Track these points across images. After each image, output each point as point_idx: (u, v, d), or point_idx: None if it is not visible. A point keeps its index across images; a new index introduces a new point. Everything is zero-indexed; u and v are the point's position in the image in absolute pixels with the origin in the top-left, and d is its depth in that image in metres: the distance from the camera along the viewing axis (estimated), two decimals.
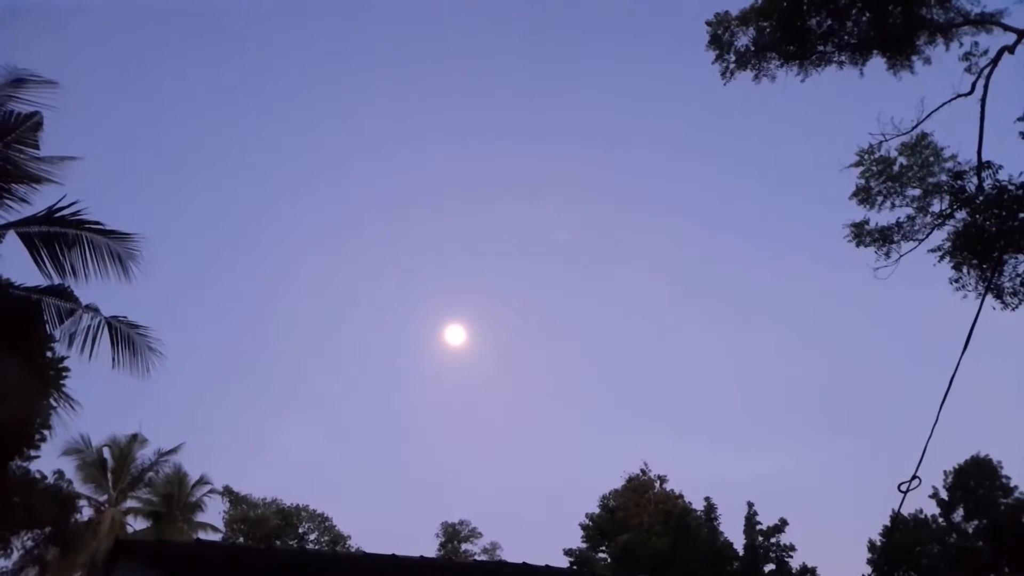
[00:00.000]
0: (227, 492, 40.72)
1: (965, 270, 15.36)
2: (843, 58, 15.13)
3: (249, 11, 55.09)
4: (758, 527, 28.99)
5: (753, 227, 68.95)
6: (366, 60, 63.81)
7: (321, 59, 63.18)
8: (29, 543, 24.03)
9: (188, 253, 63.40)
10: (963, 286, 15.46)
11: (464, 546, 45.44)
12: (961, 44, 14.71)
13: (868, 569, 31.57)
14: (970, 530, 30.54)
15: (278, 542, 39.84)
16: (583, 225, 70.39)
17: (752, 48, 15.35)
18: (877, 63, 15.23)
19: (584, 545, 34.39)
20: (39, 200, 12.65)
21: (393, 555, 8.74)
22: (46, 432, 16.79)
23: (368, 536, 48.50)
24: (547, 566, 9.22)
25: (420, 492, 63.44)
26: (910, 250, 16.02)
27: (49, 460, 28.88)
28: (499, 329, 75.69)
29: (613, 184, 70.29)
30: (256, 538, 39.19)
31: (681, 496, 34.84)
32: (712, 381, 68.22)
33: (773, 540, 28.78)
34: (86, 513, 27.82)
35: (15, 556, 23.70)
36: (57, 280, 12.65)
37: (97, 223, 12.61)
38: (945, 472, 31.79)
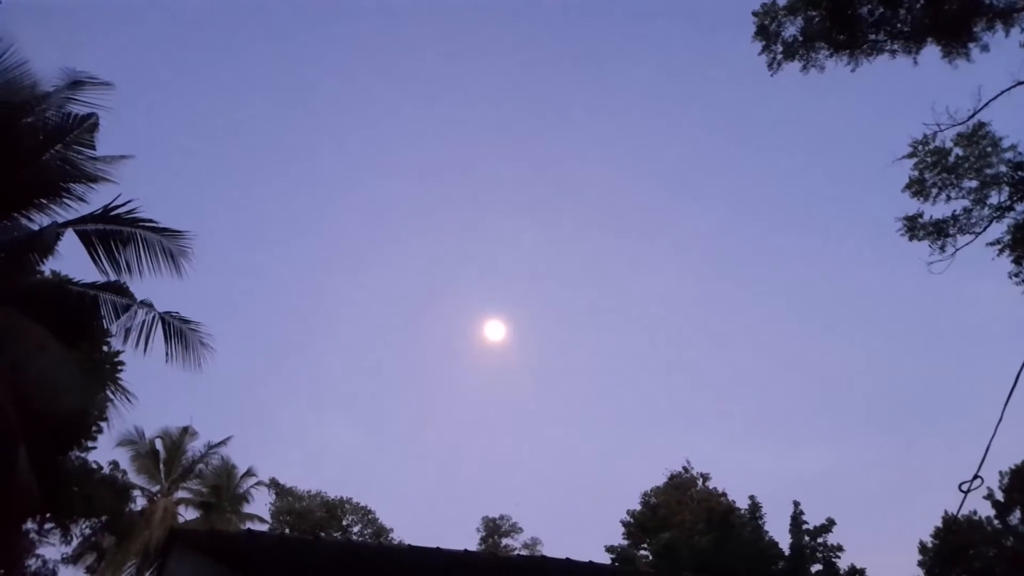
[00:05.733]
0: (273, 484, 41.57)
1: None
2: (895, 47, 14.68)
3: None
4: (804, 527, 28.38)
5: (799, 219, 67.60)
6: (397, 45, 64.13)
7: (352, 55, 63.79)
8: (87, 531, 24.87)
9: (237, 247, 64.83)
10: None
11: (505, 541, 45.57)
12: (1022, 30, 14.17)
13: (919, 571, 30.76)
14: None
15: (322, 534, 40.48)
16: (624, 216, 69.97)
17: (800, 38, 14.99)
18: (931, 51, 14.76)
19: (626, 542, 34.17)
20: (95, 198, 13.05)
21: (438, 548, 8.80)
22: (103, 424, 17.42)
23: (409, 529, 49.17)
24: (591, 562, 9.17)
25: (461, 486, 63.91)
26: (967, 243, 15.55)
27: (105, 451, 29.92)
28: (541, 324, 75.64)
29: (658, 171, 69.55)
30: (301, 530, 39.90)
31: (724, 494, 34.33)
32: (758, 376, 67.19)
33: (820, 540, 28.15)
34: (139, 503, 28.76)
35: (74, 543, 24.58)
36: (113, 276, 13.01)
37: (151, 221, 12.94)
38: (1001, 473, 30.73)
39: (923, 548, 30.75)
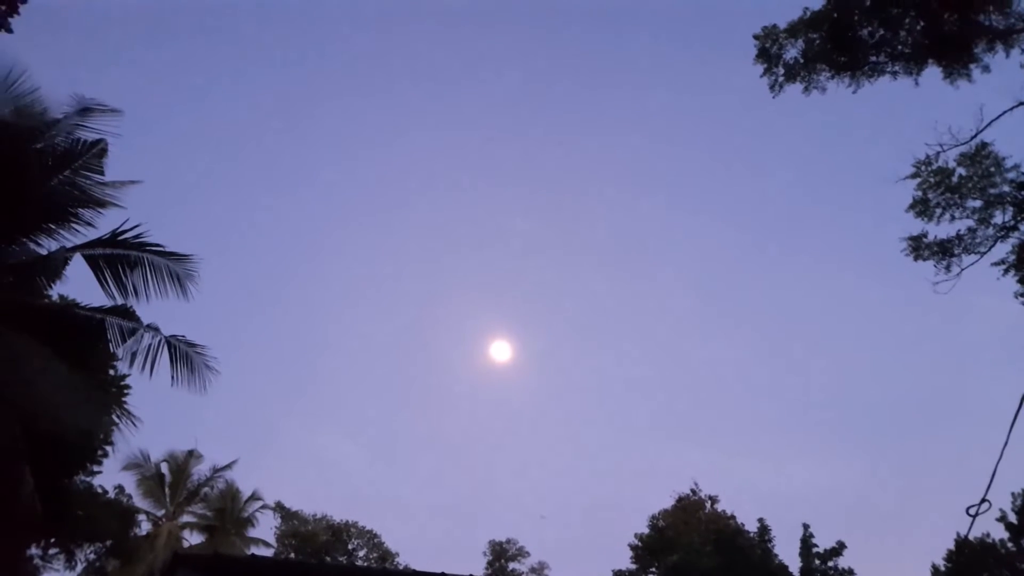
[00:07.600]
0: (278, 507, 41.31)
1: None
2: (896, 68, 14.77)
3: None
4: (814, 550, 28.09)
5: (804, 238, 67.59)
6: (393, 54, 64.67)
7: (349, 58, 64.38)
8: (91, 556, 24.74)
9: (240, 268, 65.05)
10: None
11: (512, 565, 45.07)
12: (1022, 50, 14.26)
13: None
14: None
15: (327, 558, 40.16)
16: (626, 235, 70.16)
17: (801, 60, 15.09)
18: (932, 72, 14.84)
19: (634, 566, 33.82)
20: (103, 223, 13.13)
21: (443, 573, 8.76)
22: (108, 448, 17.43)
23: (415, 554, 48.58)
24: None
25: (467, 510, 63.42)
26: (972, 263, 15.53)
27: (111, 475, 29.86)
28: (546, 345, 75.49)
29: (658, 190, 69.74)
30: (306, 553, 39.59)
31: (733, 516, 34.02)
32: (763, 395, 66.76)
33: (830, 564, 27.84)
34: (144, 527, 28.61)
35: (79, 568, 24.43)
36: (120, 300, 13.04)
37: (158, 245, 13.00)
38: (1013, 494, 30.35)
39: (936, 571, 30.33)
